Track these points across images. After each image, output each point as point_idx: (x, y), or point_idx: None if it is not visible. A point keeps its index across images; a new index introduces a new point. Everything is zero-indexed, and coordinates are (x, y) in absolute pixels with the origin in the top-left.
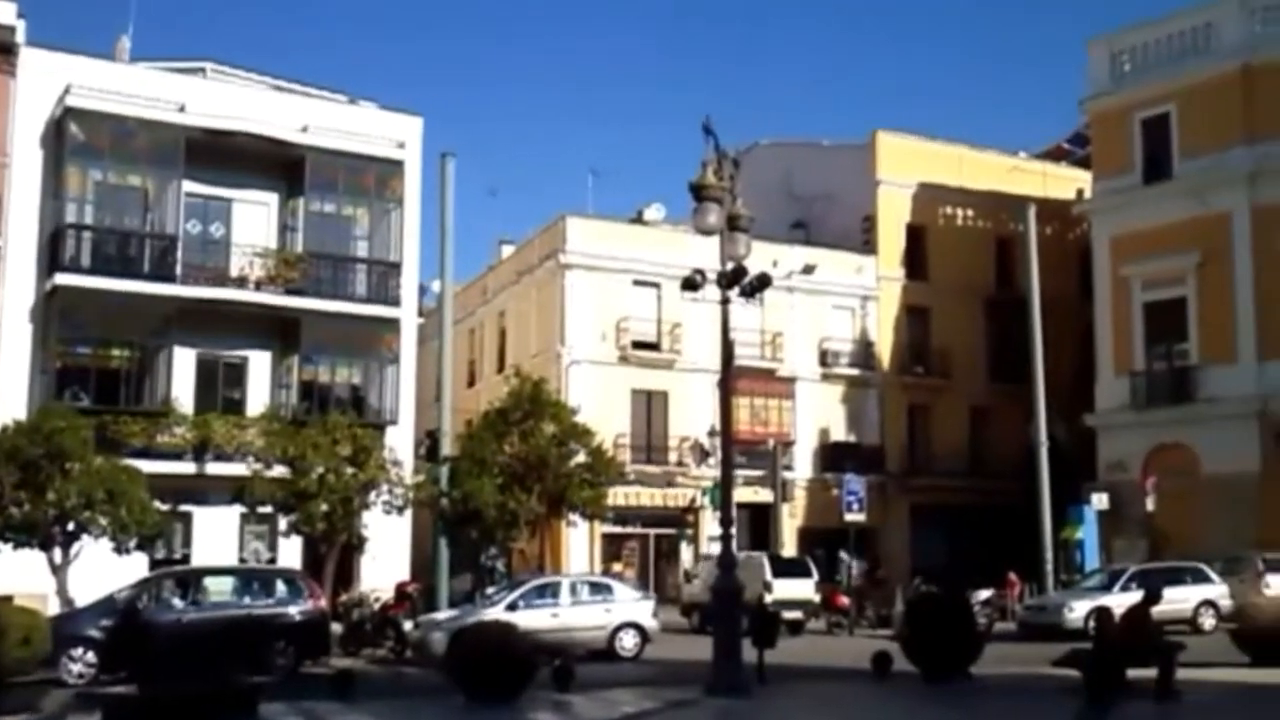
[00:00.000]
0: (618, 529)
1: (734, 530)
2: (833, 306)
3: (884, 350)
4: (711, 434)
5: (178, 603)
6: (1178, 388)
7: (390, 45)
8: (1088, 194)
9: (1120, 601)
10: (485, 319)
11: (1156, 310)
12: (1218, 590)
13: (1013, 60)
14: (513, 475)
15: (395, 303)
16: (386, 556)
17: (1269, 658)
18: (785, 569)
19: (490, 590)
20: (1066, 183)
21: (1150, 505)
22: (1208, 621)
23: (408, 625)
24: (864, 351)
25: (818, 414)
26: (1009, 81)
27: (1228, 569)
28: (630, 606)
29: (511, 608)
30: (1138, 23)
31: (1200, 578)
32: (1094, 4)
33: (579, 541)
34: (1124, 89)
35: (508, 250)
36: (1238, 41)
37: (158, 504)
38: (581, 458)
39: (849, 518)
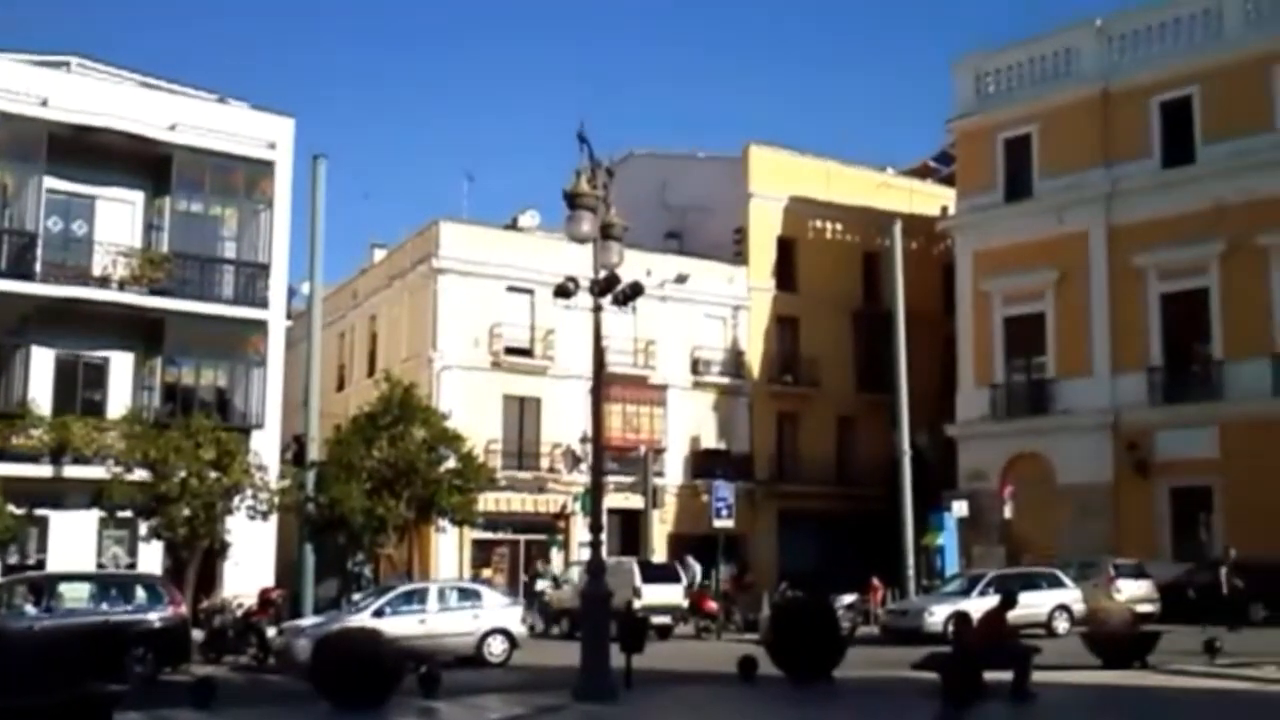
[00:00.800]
0: (488, 535)
1: (604, 536)
2: (705, 316)
3: (754, 359)
4: (583, 440)
5: (31, 609)
6: (1035, 400)
7: (264, 46)
8: (952, 211)
9: (978, 606)
10: (356, 322)
11: (1016, 324)
12: (1071, 595)
13: (884, 78)
14: (381, 480)
15: (263, 305)
16: (251, 562)
17: (1118, 660)
18: (655, 574)
19: (357, 596)
20: (932, 199)
21: (1008, 513)
22: (1062, 625)
23: (271, 632)
24: (735, 360)
25: (689, 421)
26: (880, 99)
27: (1081, 574)
28: (498, 612)
29: (378, 614)
30: (1002, 46)
31: (1055, 583)
32: (962, 25)
33: (448, 547)
34: (988, 110)
35: (380, 254)
36: (1096, 67)
37: (11, 508)
38: (451, 463)
39: (718, 524)
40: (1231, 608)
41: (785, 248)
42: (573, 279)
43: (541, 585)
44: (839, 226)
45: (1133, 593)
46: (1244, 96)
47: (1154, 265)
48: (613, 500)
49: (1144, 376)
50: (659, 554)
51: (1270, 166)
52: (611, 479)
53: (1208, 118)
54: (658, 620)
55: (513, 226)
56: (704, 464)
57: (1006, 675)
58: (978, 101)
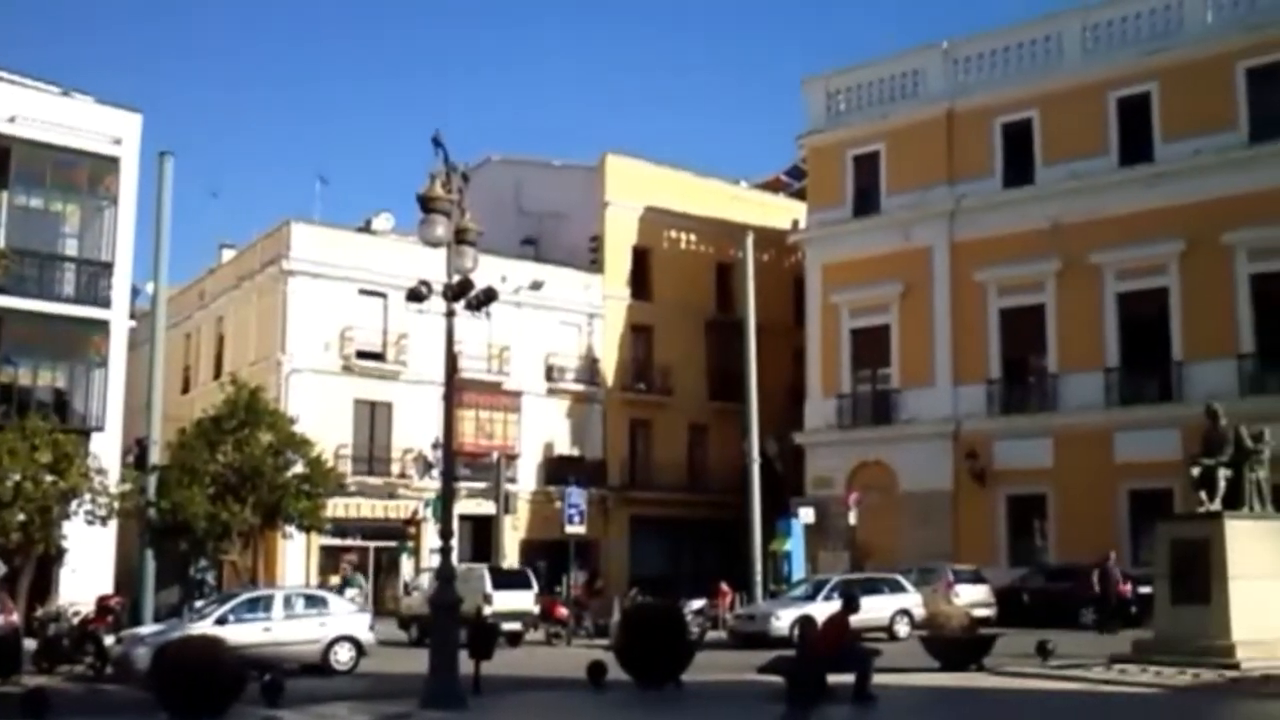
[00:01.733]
0: (337, 541)
1: (455, 542)
2: (560, 323)
3: (608, 367)
4: (435, 446)
5: None
6: (880, 409)
7: (113, 38)
8: (803, 224)
9: (823, 610)
10: (203, 324)
11: (862, 336)
12: (912, 599)
13: (741, 92)
14: (226, 485)
15: (105, 304)
16: (88, 569)
17: (956, 662)
18: (506, 581)
19: (199, 604)
20: (784, 213)
21: (853, 519)
22: (903, 629)
23: (109, 640)
24: (589, 367)
25: (543, 428)
26: (736, 113)
27: (921, 579)
28: (346, 620)
29: (221, 622)
30: (852, 65)
31: (896, 588)
32: (818, 42)
33: (295, 554)
34: (838, 127)
35: (229, 254)
36: (942, 88)
37: None
38: (299, 468)
39: (570, 530)
40: (1113, 611)
41: (640, 257)
42: (426, 283)
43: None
44: (693, 237)
45: (970, 597)
46: (1080, 121)
47: (994, 281)
48: (465, 506)
49: (983, 388)
50: (511, 560)
51: (1104, 188)
52: (464, 485)
53: (1046, 140)
54: (508, 627)
55: (366, 229)
56: (557, 470)
57: (849, 678)
58: (828, 118)
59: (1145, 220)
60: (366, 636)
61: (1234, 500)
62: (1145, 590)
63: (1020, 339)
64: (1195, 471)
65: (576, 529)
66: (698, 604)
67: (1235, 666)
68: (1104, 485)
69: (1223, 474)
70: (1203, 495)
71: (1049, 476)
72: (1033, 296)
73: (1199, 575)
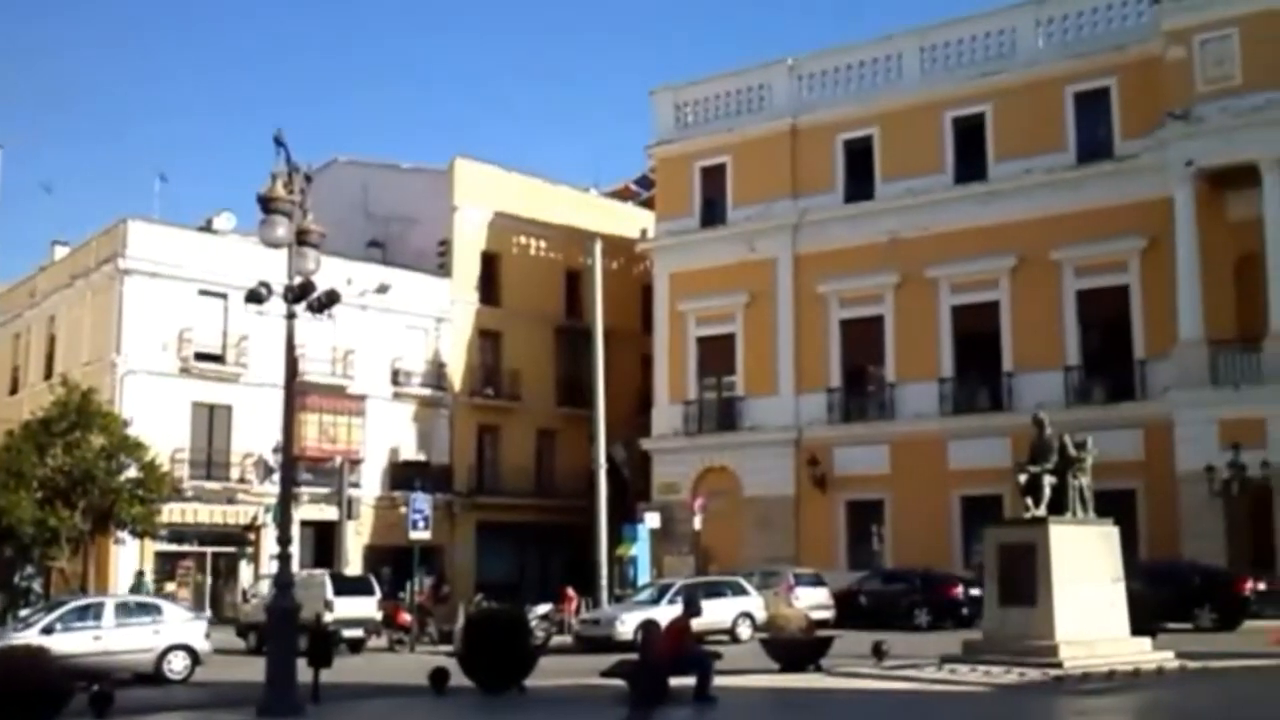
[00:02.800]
0: (173, 547)
1: (295, 548)
2: (406, 327)
3: (456, 372)
4: (276, 450)
5: None
6: (725, 416)
7: None
8: (651, 233)
9: (667, 614)
10: (33, 323)
11: (709, 344)
12: (754, 602)
13: (593, 101)
14: (55, 490)
15: None
16: None
17: (795, 664)
18: (347, 587)
19: (25, 612)
20: (633, 221)
21: (698, 524)
22: (744, 631)
23: None
24: (436, 372)
25: (388, 432)
26: (589, 122)
27: (763, 583)
28: (180, 627)
29: (47, 631)
30: (700, 77)
31: (739, 591)
32: (669, 53)
33: (129, 560)
34: (686, 138)
35: (62, 251)
36: (787, 103)
37: None
38: (133, 472)
39: (414, 535)
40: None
41: (489, 262)
42: (266, 284)
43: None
44: (543, 243)
45: (810, 600)
46: (918, 139)
47: (835, 293)
48: (307, 512)
49: (825, 396)
50: (354, 566)
51: (940, 205)
52: (306, 490)
53: (886, 157)
54: (350, 634)
55: (207, 228)
56: (403, 475)
57: (691, 680)
58: (676, 129)
59: (979, 236)
60: (202, 645)
61: (1058, 506)
62: (976, 592)
63: (860, 349)
64: (1022, 478)
65: (421, 535)
66: (543, 609)
67: (1059, 665)
68: (938, 491)
69: (1048, 481)
70: (1029, 501)
71: (886, 483)
72: (872, 308)
73: (1025, 578)
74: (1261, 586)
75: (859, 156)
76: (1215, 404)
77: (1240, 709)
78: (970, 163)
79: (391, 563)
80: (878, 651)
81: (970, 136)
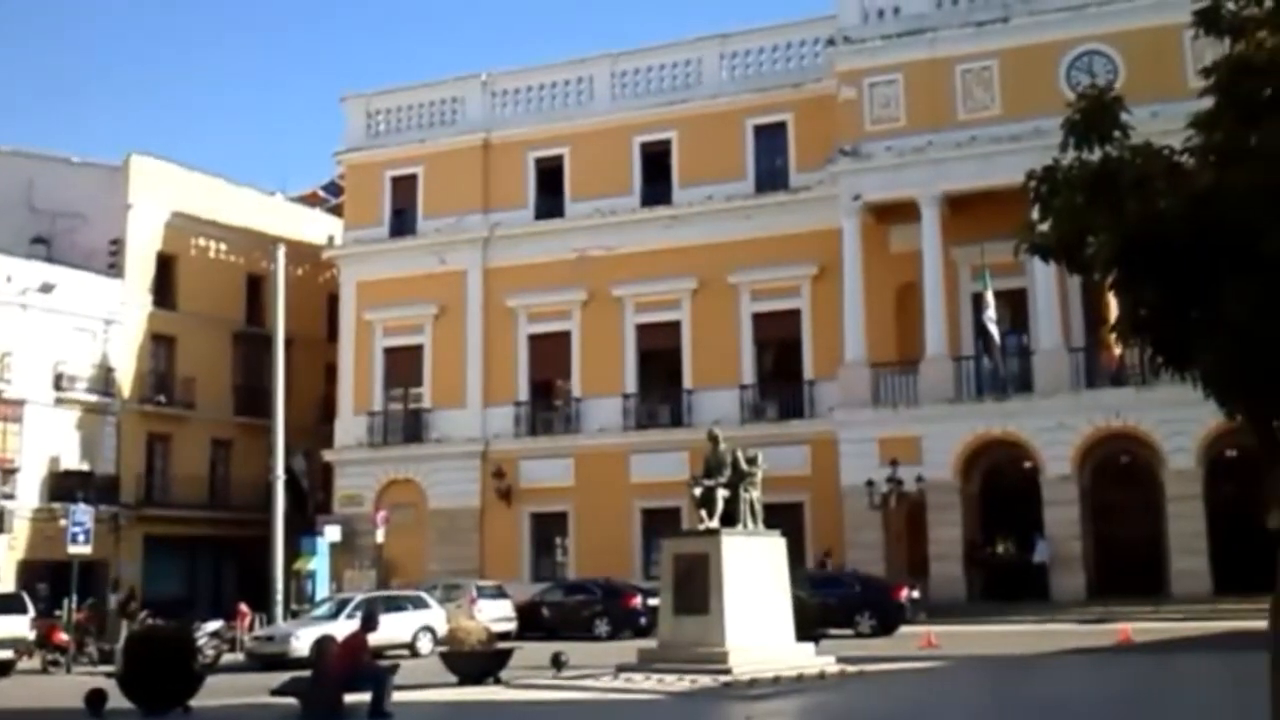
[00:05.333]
0: None
1: None
2: (73, 329)
3: (126, 377)
4: None
5: None
6: (411, 428)
7: None
8: (339, 240)
9: (345, 629)
10: None
11: (396, 355)
12: (436, 616)
13: (282, 106)
14: None
15: None
16: None
17: (474, 676)
18: None
19: None
20: (321, 227)
21: (380, 537)
22: (425, 645)
23: None
24: (104, 377)
25: (49, 440)
26: (277, 125)
27: (446, 596)
28: None
29: None
30: (394, 86)
31: (420, 605)
32: (368, 60)
33: None
34: (377, 146)
35: None
36: (480, 118)
37: None
38: None
39: (73, 550)
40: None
41: (165, 263)
42: None
43: None
44: (224, 246)
45: (492, 612)
46: (607, 161)
47: (524, 307)
48: None
49: (512, 409)
50: (6, 583)
51: (626, 226)
52: None
53: (576, 176)
54: None
55: None
56: (64, 486)
57: (367, 696)
58: (367, 137)
59: (663, 258)
60: None
61: (731, 518)
62: (655, 602)
63: (548, 364)
64: (697, 491)
65: (81, 549)
66: (214, 626)
67: (728, 671)
68: (620, 504)
69: (721, 494)
70: (703, 513)
71: (570, 495)
72: (560, 324)
73: (699, 587)
74: (915, 594)
75: (550, 174)
76: (876, 423)
77: (892, 707)
78: (657, 186)
79: (49, 579)
80: (557, 662)
81: (657, 161)
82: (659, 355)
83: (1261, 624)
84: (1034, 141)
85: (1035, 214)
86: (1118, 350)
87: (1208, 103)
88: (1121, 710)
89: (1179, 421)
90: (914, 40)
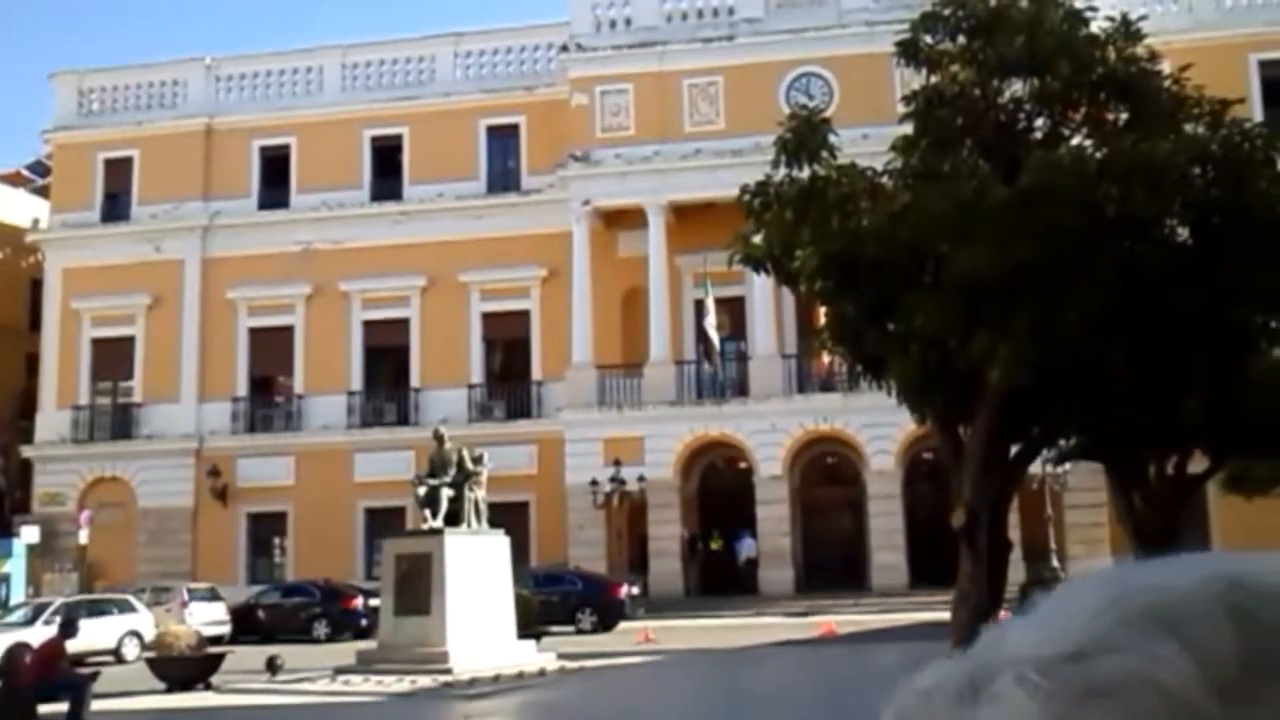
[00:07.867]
0: None
1: None
2: None
3: None
4: None
5: None
6: (120, 423)
7: None
8: (45, 223)
9: (42, 636)
10: None
11: (105, 346)
12: (144, 620)
13: None
14: None
15: None
16: None
17: (183, 682)
18: None
19: None
20: (24, 209)
21: (84, 538)
22: (131, 651)
23: None
24: None
25: None
26: None
27: (155, 599)
28: None
29: None
30: (111, 65)
31: (126, 609)
32: (74, 36)
33: None
34: (90, 127)
35: None
36: (203, 102)
37: None
38: None
39: None
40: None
41: None
42: None
43: None
44: None
45: (204, 616)
46: (336, 153)
47: (245, 300)
48: None
49: (230, 405)
50: None
51: (355, 220)
52: None
53: (303, 167)
54: None
55: None
56: None
57: (64, 706)
58: (79, 116)
59: (392, 254)
60: None
61: (455, 517)
62: (376, 603)
63: (269, 359)
64: (421, 490)
65: None
66: None
67: (449, 671)
68: (343, 503)
69: (445, 493)
70: (427, 513)
71: (291, 494)
72: (283, 318)
73: (421, 587)
74: (635, 590)
75: (275, 164)
76: (601, 424)
77: (606, 700)
78: (387, 182)
79: None
80: (272, 666)
81: (388, 156)
82: (387, 353)
83: (948, 615)
84: (755, 157)
85: (749, 226)
86: (826, 358)
87: (909, 128)
88: (815, 697)
89: (881, 425)
90: (644, 52)
